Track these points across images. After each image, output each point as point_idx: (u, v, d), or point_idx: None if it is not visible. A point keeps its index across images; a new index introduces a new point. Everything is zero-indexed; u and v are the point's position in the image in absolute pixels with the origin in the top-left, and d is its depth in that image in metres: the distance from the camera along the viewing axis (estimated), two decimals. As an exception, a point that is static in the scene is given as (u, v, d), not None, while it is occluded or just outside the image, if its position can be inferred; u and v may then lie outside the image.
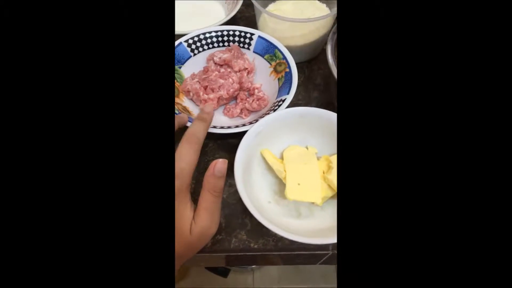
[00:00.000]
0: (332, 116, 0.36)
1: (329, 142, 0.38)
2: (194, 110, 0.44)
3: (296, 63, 0.43)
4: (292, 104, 0.39)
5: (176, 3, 0.57)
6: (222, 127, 0.39)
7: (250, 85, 0.45)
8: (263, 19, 0.47)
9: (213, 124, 0.38)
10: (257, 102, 0.43)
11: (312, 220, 0.35)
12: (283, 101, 0.40)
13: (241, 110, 0.44)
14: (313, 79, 0.50)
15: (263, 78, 0.46)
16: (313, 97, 0.48)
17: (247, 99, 0.44)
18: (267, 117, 0.37)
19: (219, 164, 0.29)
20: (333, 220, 0.34)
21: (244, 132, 0.36)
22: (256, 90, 0.44)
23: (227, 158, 0.31)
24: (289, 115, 0.37)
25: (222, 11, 0.57)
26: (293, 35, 0.46)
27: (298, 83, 0.41)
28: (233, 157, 0.34)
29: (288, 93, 0.40)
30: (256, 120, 0.40)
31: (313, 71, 0.51)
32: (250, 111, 0.44)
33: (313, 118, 0.37)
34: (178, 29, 0.50)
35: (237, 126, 0.39)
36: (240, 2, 0.53)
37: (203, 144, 0.32)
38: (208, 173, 0.30)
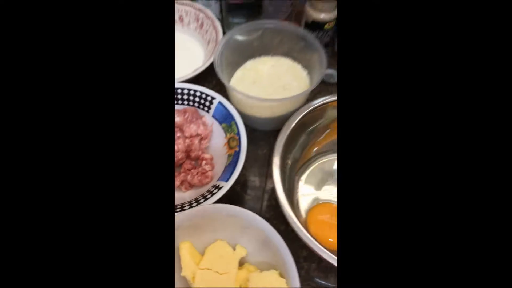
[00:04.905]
0: (259, 221, 0.32)
1: (260, 248, 0.33)
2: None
3: (263, 131, 0.38)
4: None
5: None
6: None
7: (199, 154, 0.41)
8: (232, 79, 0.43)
9: None
10: (199, 177, 0.39)
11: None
12: (218, 188, 0.36)
13: (182, 182, 0.40)
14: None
15: (218, 148, 0.42)
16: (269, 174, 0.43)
17: (192, 170, 0.40)
18: (187, 212, 0.33)
19: None
20: None
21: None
22: (203, 162, 0.40)
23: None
24: (215, 212, 0.33)
25: (201, 54, 0.53)
26: (259, 106, 0.41)
27: (260, 154, 0.37)
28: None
29: (227, 180, 0.36)
30: (197, 200, 0.36)
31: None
32: (192, 185, 0.40)
33: (240, 219, 0.33)
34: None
35: None
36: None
37: None
38: None
